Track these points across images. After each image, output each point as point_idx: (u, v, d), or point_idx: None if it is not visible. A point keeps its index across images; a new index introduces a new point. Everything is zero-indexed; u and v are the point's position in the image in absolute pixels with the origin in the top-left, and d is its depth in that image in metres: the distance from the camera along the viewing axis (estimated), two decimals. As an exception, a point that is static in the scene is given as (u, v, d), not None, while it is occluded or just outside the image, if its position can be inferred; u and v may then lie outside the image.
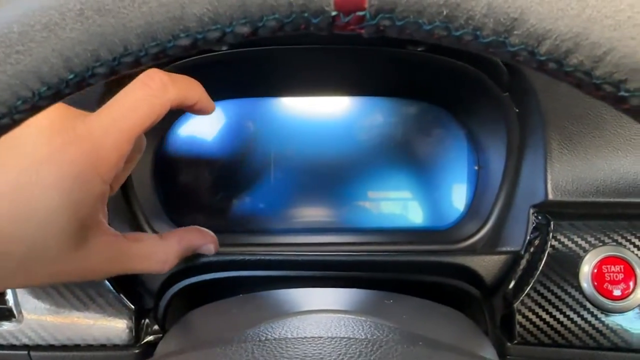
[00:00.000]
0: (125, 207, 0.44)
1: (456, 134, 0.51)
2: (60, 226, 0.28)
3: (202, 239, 0.38)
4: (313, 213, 0.52)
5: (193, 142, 0.51)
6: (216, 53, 0.43)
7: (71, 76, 0.16)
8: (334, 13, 0.16)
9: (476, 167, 0.51)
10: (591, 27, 0.15)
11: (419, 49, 0.39)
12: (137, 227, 0.46)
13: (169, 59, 0.17)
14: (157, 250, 0.34)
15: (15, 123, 0.17)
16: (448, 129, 0.51)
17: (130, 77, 0.30)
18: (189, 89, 0.32)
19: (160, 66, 0.42)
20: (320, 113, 0.51)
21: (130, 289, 0.40)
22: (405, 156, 0.52)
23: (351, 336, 0.23)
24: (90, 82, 0.17)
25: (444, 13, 0.15)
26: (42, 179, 0.27)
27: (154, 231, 0.48)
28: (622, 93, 0.16)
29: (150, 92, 0.30)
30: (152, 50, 0.16)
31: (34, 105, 0.17)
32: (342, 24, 0.16)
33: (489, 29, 0.16)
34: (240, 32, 0.16)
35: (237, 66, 0.46)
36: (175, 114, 0.50)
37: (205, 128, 0.51)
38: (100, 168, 0.29)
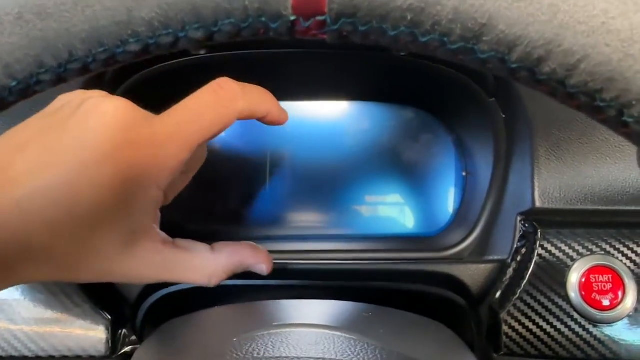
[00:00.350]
0: None
1: (444, 140, 0.50)
2: (109, 227, 0.27)
3: (254, 258, 0.35)
4: (298, 219, 0.51)
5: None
6: (203, 56, 0.42)
7: (14, 83, 0.15)
8: (292, 17, 0.15)
9: (464, 174, 0.50)
10: (564, 33, 0.14)
11: (402, 53, 0.38)
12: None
13: (120, 65, 0.16)
14: (206, 264, 0.32)
15: None
16: (436, 135, 0.50)
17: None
18: (260, 100, 0.32)
19: (142, 68, 0.41)
20: (305, 118, 0.50)
21: (106, 298, 0.39)
22: (393, 162, 0.51)
23: (320, 356, 0.22)
24: (37, 90, 0.16)
25: (409, 18, 0.15)
26: (98, 177, 0.26)
27: None
28: (598, 103, 0.15)
29: (219, 101, 0.29)
30: (101, 56, 0.15)
31: None
32: (303, 29, 0.16)
33: (457, 34, 0.15)
34: (194, 37, 0.15)
35: (225, 70, 0.45)
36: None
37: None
38: (157, 173, 0.28)
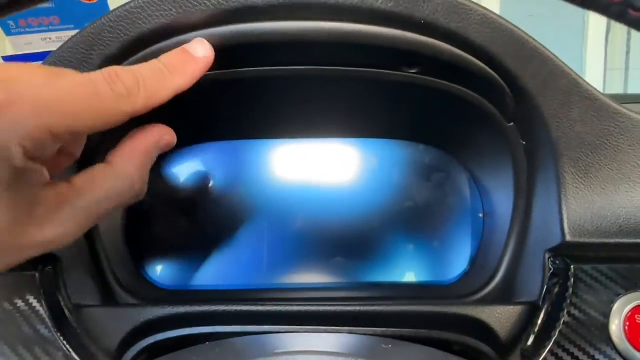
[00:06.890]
0: (87, 248, 0.38)
1: (458, 179, 0.47)
2: None
3: (158, 130, 0.31)
4: (301, 269, 0.47)
5: (172, 186, 0.47)
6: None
7: None
8: None
9: (481, 215, 0.46)
10: None
11: (413, 71, 0.35)
12: (99, 270, 0.40)
13: None
14: (108, 173, 0.29)
15: None
16: (448, 173, 0.47)
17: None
18: (159, 87, 0.28)
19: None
20: (307, 158, 0.47)
21: (82, 348, 0.34)
22: (403, 205, 0.47)
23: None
24: None
25: None
26: None
27: (117, 280, 0.41)
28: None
29: (111, 94, 0.26)
30: None
31: None
32: None
33: None
34: None
35: (217, 104, 0.42)
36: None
37: (187, 171, 0.47)
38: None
